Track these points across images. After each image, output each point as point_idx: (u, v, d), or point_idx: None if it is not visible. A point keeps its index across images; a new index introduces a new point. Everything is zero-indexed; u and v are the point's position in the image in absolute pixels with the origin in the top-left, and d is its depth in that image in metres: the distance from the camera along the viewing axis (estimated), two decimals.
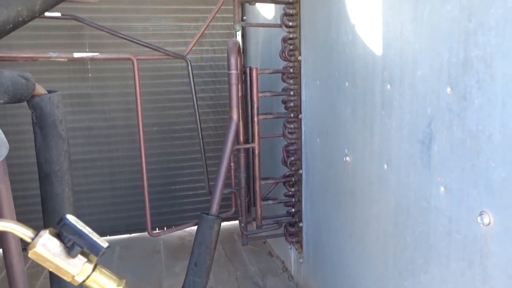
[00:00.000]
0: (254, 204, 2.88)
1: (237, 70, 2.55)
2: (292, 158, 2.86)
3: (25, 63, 3.59)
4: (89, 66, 3.76)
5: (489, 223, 1.19)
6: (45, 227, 1.96)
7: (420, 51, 1.45)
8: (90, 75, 3.77)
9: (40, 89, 1.79)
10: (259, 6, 3.49)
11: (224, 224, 4.02)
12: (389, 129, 1.68)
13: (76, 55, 2.06)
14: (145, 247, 3.90)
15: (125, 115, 3.88)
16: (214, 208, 2.53)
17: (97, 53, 2.14)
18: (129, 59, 2.20)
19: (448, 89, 1.33)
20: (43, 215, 1.92)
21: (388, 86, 1.67)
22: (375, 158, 1.81)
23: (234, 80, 2.55)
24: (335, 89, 2.17)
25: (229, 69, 2.54)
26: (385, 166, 1.73)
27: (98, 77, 3.77)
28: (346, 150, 2.09)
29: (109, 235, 4.07)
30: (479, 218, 1.22)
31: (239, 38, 4.00)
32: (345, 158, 2.09)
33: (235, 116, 2.57)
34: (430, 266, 1.47)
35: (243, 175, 2.89)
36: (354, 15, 1.92)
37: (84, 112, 3.81)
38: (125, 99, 3.87)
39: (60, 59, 2.02)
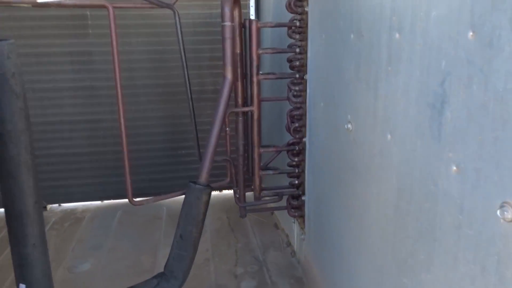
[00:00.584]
0: (252, 174, 2.61)
1: (231, 22, 2.21)
2: (297, 125, 2.54)
3: (24, 18, 3.37)
4: (89, 22, 3.50)
5: None
6: (2, 193, 1.78)
7: None
8: (90, 31, 3.53)
9: None
10: None
11: (231, 192, 3.80)
12: (395, 90, 1.34)
13: (40, 0, 1.80)
14: (148, 212, 3.75)
15: (127, 74, 3.64)
16: (203, 176, 2.28)
17: None
18: (104, 6, 1.92)
19: (470, 34, 0.97)
20: None
21: (397, 35, 1.31)
22: (378, 126, 1.47)
23: (228, 34, 2.22)
24: (340, 43, 1.81)
25: (222, 20, 2.21)
26: (389, 137, 1.39)
27: (99, 34, 3.51)
28: (349, 116, 1.75)
29: (113, 199, 3.95)
30: (499, 212, 0.89)
31: None
32: (347, 126, 1.76)
33: (229, 75, 2.26)
34: (434, 264, 1.16)
35: (241, 142, 2.61)
36: None
37: (84, 70, 3.60)
38: (127, 57, 3.61)
39: (23, 4, 1.76)
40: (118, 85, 2.01)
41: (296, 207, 2.72)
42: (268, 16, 3.29)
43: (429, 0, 1.12)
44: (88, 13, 3.41)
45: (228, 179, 2.65)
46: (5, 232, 1.96)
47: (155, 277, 2.36)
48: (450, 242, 1.08)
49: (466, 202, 1.01)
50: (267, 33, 3.35)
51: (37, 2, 1.79)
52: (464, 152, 1.01)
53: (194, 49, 3.64)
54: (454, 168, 1.05)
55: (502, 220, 0.89)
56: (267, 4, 3.36)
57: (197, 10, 3.62)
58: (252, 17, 3.57)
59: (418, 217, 1.23)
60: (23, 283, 1.87)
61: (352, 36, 1.67)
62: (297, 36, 2.40)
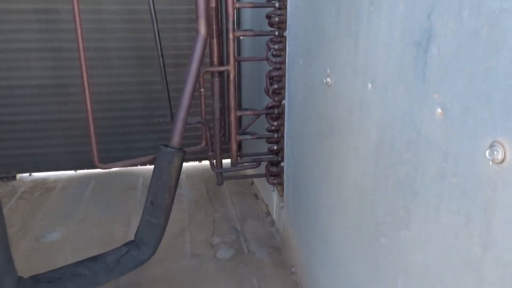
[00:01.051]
0: (229, 139, 2.48)
1: None
2: (276, 86, 2.41)
3: None
4: None
5: (503, 160, 0.76)
6: None
7: None
8: None
9: None
10: None
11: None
12: (377, 33, 1.21)
13: None
14: (123, 182, 3.61)
15: (98, 36, 3.43)
16: (175, 139, 2.14)
17: None
18: None
19: None
20: None
21: None
22: (358, 76, 1.35)
23: None
24: None
25: None
26: (369, 86, 1.27)
27: None
28: (328, 70, 1.62)
29: (86, 169, 3.79)
30: (488, 152, 0.78)
31: None
32: (326, 80, 1.63)
33: (202, 30, 2.10)
34: (414, 220, 1.06)
35: (217, 105, 2.47)
36: None
37: (52, 30, 3.37)
38: (98, 17, 3.39)
39: None
40: (80, 37, 1.84)
41: (275, 174, 2.61)
42: None
43: None
44: None
45: (204, 143, 2.51)
46: None
47: (125, 244, 2.24)
48: (432, 193, 0.97)
49: (452, 148, 0.90)
50: None
51: None
52: (451, 91, 0.89)
53: (170, 10, 3.44)
54: (439, 110, 0.94)
55: (491, 162, 0.79)
56: None
57: None
58: None
59: (399, 170, 1.12)
60: None
61: None
62: None
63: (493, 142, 0.78)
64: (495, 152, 0.76)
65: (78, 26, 1.81)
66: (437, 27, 0.93)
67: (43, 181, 3.67)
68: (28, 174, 3.76)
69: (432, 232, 0.99)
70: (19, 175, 3.73)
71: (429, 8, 0.95)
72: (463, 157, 0.87)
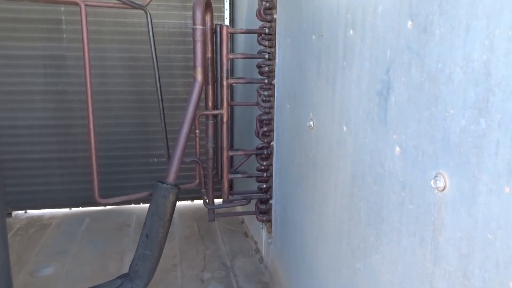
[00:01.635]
0: (221, 177, 2.64)
1: (203, 25, 2.29)
2: (265, 129, 2.61)
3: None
4: (64, 26, 3.53)
5: (444, 188, 0.93)
6: None
7: None
8: (65, 35, 3.55)
9: None
10: None
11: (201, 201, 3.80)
12: (350, 83, 1.42)
13: None
14: (117, 220, 3.71)
15: (100, 80, 3.66)
16: (171, 176, 2.30)
17: None
18: (75, 3, 1.96)
19: (409, 23, 1.06)
20: None
21: (351, 32, 1.40)
22: (335, 120, 1.55)
23: (199, 36, 2.29)
24: (303, 44, 1.90)
25: (194, 23, 2.28)
26: (344, 128, 1.47)
27: (73, 39, 3.54)
28: (311, 114, 1.83)
29: (81, 207, 3.89)
30: (432, 182, 0.96)
31: (227, 1, 3.72)
32: (309, 123, 1.83)
33: (199, 77, 2.32)
34: (381, 244, 1.22)
35: (210, 145, 2.65)
36: None
37: (57, 75, 3.59)
38: (100, 63, 3.64)
39: None
40: (88, 84, 2.04)
41: (264, 211, 2.75)
42: (242, 22, 3.40)
43: None
44: (63, 17, 3.44)
45: (197, 181, 2.67)
46: None
47: (119, 277, 2.33)
48: (395, 219, 1.14)
49: (408, 179, 1.08)
50: (241, 38, 3.45)
51: None
52: (406, 132, 1.08)
53: (168, 58, 3.70)
54: (398, 148, 1.12)
55: (436, 190, 0.96)
56: (241, 11, 3.47)
57: (172, 20, 3.70)
58: (227, 21, 3.67)
59: (369, 200, 1.29)
60: None
61: (313, 37, 1.76)
62: (267, 43, 2.49)
63: (437, 173, 0.96)
64: (438, 182, 0.94)
65: (87, 65, 2.01)
66: (394, 80, 1.14)
67: (39, 218, 3.75)
68: (23, 211, 3.84)
69: (396, 253, 1.14)
70: (14, 212, 3.81)
71: (387, 65, 1.17)
72: (416, 186, 1.04)
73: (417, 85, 1.03)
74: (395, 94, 1.13)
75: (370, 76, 1.27)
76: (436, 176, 0.95)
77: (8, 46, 3.42)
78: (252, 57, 2.53)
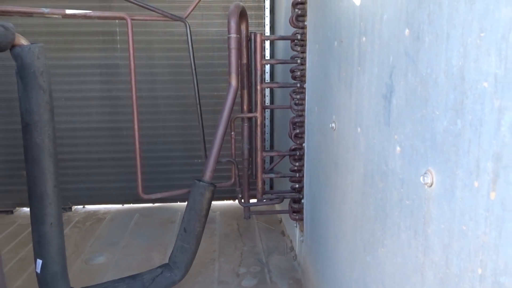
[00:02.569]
0: (255, 177, 2.78)
1: (237, 34, 2.45)
2: (298, 131, 2.72)
3: (59, 34, 3.77)
4: (118, 38, 3.86)
5: (431, 184, 1.01)
6: (27, 175, 2.03)
7: None
8: (118, 46, 3.88)
9: (21, 40, 1.83)
10: None
11: None
12: (362, 87, 1.50)
13: (69, 11, 2.10)
14: (163, 216, 3.97)
15: (149, 86, 3.95)
16: (207, 175, 2.47)
17: (90, 11, 2.16)
18: (123, 18, 2.20)
19: (406, 31, 1.14)
20: (25, 163, 1.99)
21: (364, 39, 1.49)
22: (352, 121, 1.64)
23: (233, 44, 2.45)
24: (327, 50, 2.00)
25: (229, 32, 2.45)
26: (358, 129, 1.55)
27: (126, 48, 3.85)
28: (333, 116, 1.92)
29: (132, 203, 4.21)
30: (421, 178, 1.03)
31: (267, 8, 3.88)
32: (331, 125, 1.92)
33: (234, 82, 2.48)
34: (386, 238, 1.30)
35: (246, 146, 2.80)
36: None
37: (111, 82, 3.93)
38: (150, 70, 3.93)
39: (54, 16, 2.06)
40: (133, 90, 2.27)
41: (297, 210, 2.86)
42: (280, 29, 3.53)
43: (382, 5, 1.30)
44: (117, 29, 3.77)
45: (233, 180, 2.83)
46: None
47: (159, 267, 2.55)
48: (396, 214, 1.22)
49: (405, 176, 1.15)
50: (280, 44, 3.57)
51: (66, 14, 2.09)
52: (404, 132, 1.16)
53: (210, 64, 3.92)
54: (398, 148, 1.20)
55: (425, 186, 1.03)
56: (279, 18, 3.60)
57: (215, 28, 3.91)
58: (267, 28, 3.81)
59: (376, 197, 1.37)
60: (40, 259, 2.10)
61: (335, 43, 1.85)
62: (299, 49, 2.60)
63: (426, 170, 1.03)
64: (426, 178, 1.02)
65: (133, 73, 2.23)
66: (395, 84, 1.22)
67: (95, 212, 4.11)
68: (82, 206, 4.22)
69: (396, 246, 1.22)
70: (74, 207, 4.20)
71: (390, 70, 1.25)
72: (411, 183, 1.12)
73: (412, 89, 1.10)
74: (396, 97, 1.21)
75: (378, 80, 1.35)
76: (425, 173, 1.03)
77: (69, 57, 3.80)
78: (285, 62, 2.65)
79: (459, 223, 0.89)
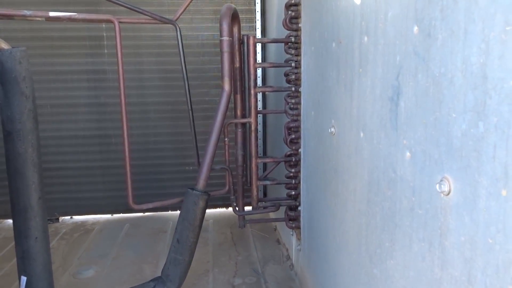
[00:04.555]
0: (250, 184, 2.69)
1: (229, 36, 2.37)
2: (293, 136, 2.64)
3: (45, 38, 3.65)
4: (105, 42, 3.75)
5: (449, 192, 0.93)
6: (9, 187, 1.91)
7: None
8: (106, 51, 3.77)
9: (2, 44, 1.73)
10: None
11: None
12: (365, 89, 1.43)
13: (52, 14, 2.00)
14: (154, 226, 3.85)
15: (138, 92, 3.84)
16: (201, 183, 2.38)
17: (75, 13, 2.06)
18: (110, 20, 2.10)
19: (415, 28, 1.07)
20: (7, 174, 1.88)
21: (365, 39, 1.42)
22: (353, 126, 1.56)
23: (226, 48, 2.37)
24: (324, 52, 1.92)
25: (221, 35, 2.37)
26: (361, 134, 1.47)
27: (113, 53, 3.75)
28: (332, 121, 1.84)
29: (122, 213, 4.08)
30: (437, 186, 0.96)
31: (258, 11, 3.81)
32: (330, 130, 1.84)
33: (227, 86, 2.40)
34: (395, 249, 1.21)
35: (239, 153, 2.71)
36: None
37: (99, 88, 3.82)
38: (139, 75, 3.83)
39: (36, 19, 1.96)
40: (122, 96, 2.17)
41: (293, 218, 2.77)
42: (272, 31, 3.46)
43: (386, 2, 1.23)
44: (104, 34, 3.66)
45: (227, 188, 2.74)
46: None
47: (152, 280, 2.43)
48: (407, 224, 1.14)
49: (417, 184, 1.08)
50: (272, 47, 3.50)
51: (50, 16, 1.99)
52: (414, 137, 1.09)
53: (201, 68, 3.83)
54: (408, 154, 1.12)
55: (442, 195, 0.96)
56: (271, 21, 3.53)
57: (206, 32, 3.83)
58: (258, 31, 3.74)
59: (383, 205, 1.29)
60: (24, 276, 1.98)
61: (333, 44, 1.78)
62: (293, 51, 2.53)
63: (442, 178, 0.95)
64: (443, 186, 0.94)
65: (121, 78, 2.14)
66: (403, 85, 1.14)
67: (83, 223, 3.97)
68: (69, 217, 4.08)
69: (408, 259, 1.14)
70: (61, 218, 4.06)
71: (397, 71, 1.17)
72: (424, 191, 1.04)
73: (423, 90, 1.03)
74: (404, 99, 1.13)
75: (383, 81, 1.28)
76: (441, 181, 0.95)
77: (55, 62, 3.68)
78: (279, 65, 2.58)
79: (483, 236, 0.81)
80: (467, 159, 0.86)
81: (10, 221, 4.00)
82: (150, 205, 2.47)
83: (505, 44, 0.74)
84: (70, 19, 2.05)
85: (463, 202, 0.88)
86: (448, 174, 0.93)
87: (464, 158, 0.87)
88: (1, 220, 4.00)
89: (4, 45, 1.74)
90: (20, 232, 1.90)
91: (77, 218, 4.09)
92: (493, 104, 0.78)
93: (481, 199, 0.82)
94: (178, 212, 4.08)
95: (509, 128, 0.74)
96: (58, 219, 4.01)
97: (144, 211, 3.89)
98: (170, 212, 4.11)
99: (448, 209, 0.94)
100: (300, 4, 2.42)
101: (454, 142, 0.91)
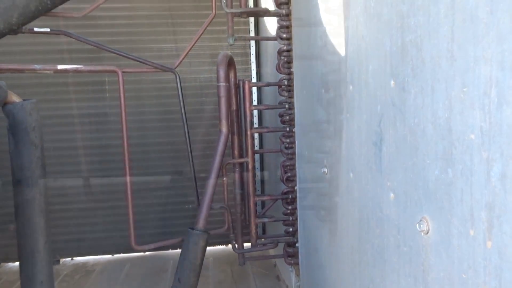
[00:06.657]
0: (248, 222, 2.76)
1: (225, 82, 2.51)
2: (289, 174, 2.74)
3: (49, 85, 3.81)
4: (107, 87, 3.91)
5: (428, 231, 1.02)
6: (17, 232, 1.99)
7: (370, 44, 1.33)
8: (107, 95, 3.92)
9: (13, 97, 1.85)
10: (267, 19, 3.48)
11: None
12: (352, 133, 1.54)
13: (60, 67, 2.14)
14: (155, 265, 3.87)
15: (140, 133, 3.97)
16: (200, 223, 2.45)
17: (81, 66, 2.21)
18: (114, 71, 2.25)
19: (392, 82, 1.19)
20: (15, 219, 1.95)
21: (351, 87, 1.55)
22: (343, 167, 1.66)
23: (222, 93, 2.51)
24: (315, 97, 2.06)
25: (218, 81, 2.51)
26: (351, 175, 1.58)
27: (115, 97, 3.90)
28: (325, 161, 1.95)
29: (123, 253, 4.10)
30: (417, 225, 1.05)
31: (253, 54, 4.00)
32: (323, 170, 1.95)
33: (224, 129, 2.52)
34: (386, 285, 1.29)
35: (238, 191, 2.80)
36: (324, 17, 1.83)
37: (101, 130, 3.94)
38: (140, 117, 3.96)
39: (45, 71, 2.10)
40: (125, 138, 2.28)
41: (292, 254, 2.82)
42: (267, 75, 3.62)
43: (367, 56, 1.37)
44: (106, 79, 3.83)
45: (226, 226, 2.80)
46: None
47: None
48: (394, 260, 1.22)
49: (401, 223, 1.17)
50: (268, 89, 3.65)
51: (58, 69, 2.14)
52: (396, 179, 1.19)
53: (201, 110, 3.98)
54: (392, 194, 1.22)
55: (422, 233, 1.05)
56: (265, 65, 3.71)
57: (204, 74, 4.01)
58: (254, 74, 3.92)
59: (373, 243, 1.38)
60: None
61: (323, 90, 1.92)
62: (286, 94, 2.67)
63: (421, 218, 1.05)
64: (422, 225, 1.03)
65: (124, 123, 2.25)
66: (384, 132, 1.26)
67: (84, 264, 3.98)
68: (70, 258, 4.10)
69: None
70: (62, 260, 4.08)
71: (379, 118, 1.29)
72: (408, 230, 1.13)
73: (402, 137, 1.14)
74: (386, 145, 1.25)
75: (368, 127, 1.40)
76: (420, 220, 1.04)
77: (59, 107, 3.83)
78: (274, 107, 2.72)
79: (458, 271, 0.90)
80: (441, 201, 0.96)
81: (11, 264, 4.02)
82: (152, 246, 2.53)
83: (464, 103, 0.86)
84: (76, 71, 2.19)
85: (440, 240, 0.97)
86: (427, 214, 1.03)
87: (439, 200, 0.97)
88: (2, 263, 4.02)
89: (16, 99, 1.87)
90: (26, 275, 1.96)
91: (78, 259, 4.11)
92: (458, 153, 0.89)
93: (454, 237, 0.91)
94: (179, 250, 4.13)
95: (471, 175, 0.84)
96: (59, 261, 4.02)
97: (145, 251, 3.92)
98: (170, 251, 4.13)
99: (428, 247, 1.02)
100: (292, 50, 2.59)
101: (429, 185, 1.01)
